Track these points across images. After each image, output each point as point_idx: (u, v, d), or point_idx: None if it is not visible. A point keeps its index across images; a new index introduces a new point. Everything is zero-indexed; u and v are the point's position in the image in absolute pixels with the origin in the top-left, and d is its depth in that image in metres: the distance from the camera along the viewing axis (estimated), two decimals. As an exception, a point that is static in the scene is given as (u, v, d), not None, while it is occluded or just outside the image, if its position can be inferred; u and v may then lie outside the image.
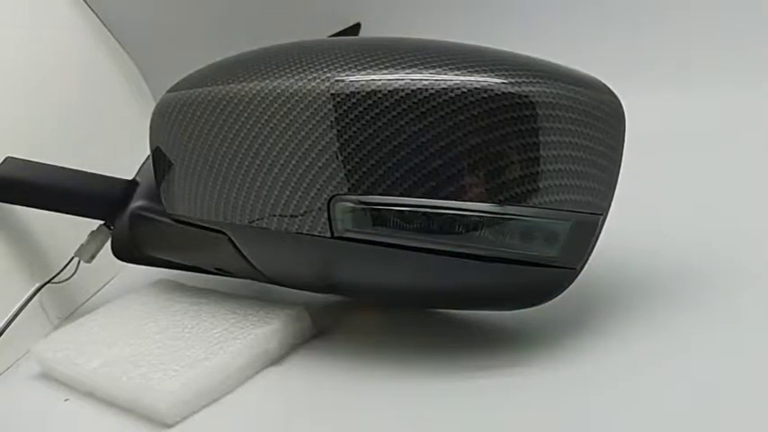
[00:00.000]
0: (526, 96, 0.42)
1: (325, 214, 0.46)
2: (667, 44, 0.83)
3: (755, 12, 0.79)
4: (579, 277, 0.46)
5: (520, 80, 0.43)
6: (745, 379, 0.38)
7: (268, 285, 0.60)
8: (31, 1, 0.90)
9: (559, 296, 0.46)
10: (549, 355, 0.45)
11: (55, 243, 0.73)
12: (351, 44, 0.49)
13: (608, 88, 0.46)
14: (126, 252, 0.67)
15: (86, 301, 0.76)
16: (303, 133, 0.46)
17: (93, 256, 0.69)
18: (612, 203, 0.46)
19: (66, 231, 0.72)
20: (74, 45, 0.94)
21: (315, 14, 0.94)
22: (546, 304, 0.47)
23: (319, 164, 0.45)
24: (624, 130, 0.46)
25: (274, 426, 0.48)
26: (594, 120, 0.44)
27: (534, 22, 0.88)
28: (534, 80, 0.43)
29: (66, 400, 0.54)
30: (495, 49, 0.47)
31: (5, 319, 0.65)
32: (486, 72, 0.43)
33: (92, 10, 0.99)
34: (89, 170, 0.71)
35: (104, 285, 0.80)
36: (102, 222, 0.70)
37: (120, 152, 0.78)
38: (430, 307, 0.54)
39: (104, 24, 0.99)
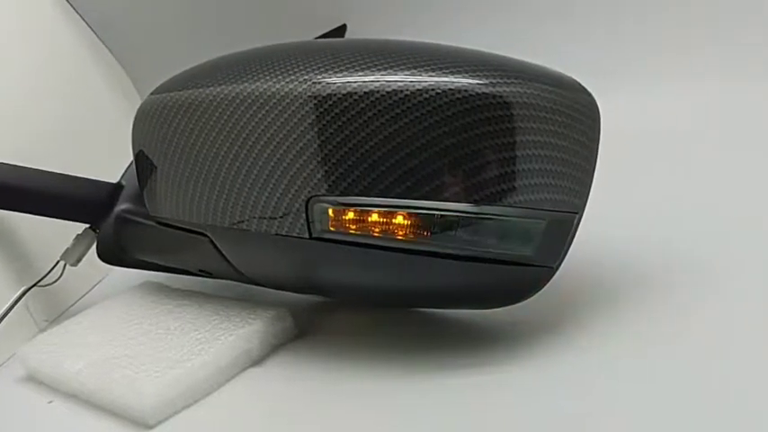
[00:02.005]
0: (500, 97, 0.43)
1: (304, 215, 0.46)
2: (645, 43, 0.84)
3: (733, 10, 0.80)
4: (558, 275, 0.46)
5: (494, 81, 0.43)
6: (722, 372, 0.39)
7: (251, 286, 0.60)
8: (16, 4, 0.90)
9: (538, 294, 0.46)
10: (528, 353, 0.45)
11: (42, 247, 0.73)
12: (329, 46, 0.50)
13: (583, 87, 0.46)
14: (111, 255, 0.68)
15: (73, 304, 0.76)
16: (281, 135, 0.46)
17: (78, 260, 0.70)
18: (590, 202, 0.46)
19: (52, 235, 0.72)
20: (59, 49, 0.94)
21: (302, 16, 0.94)
22: (525, 302, 0.47)
23: (297, 165, 0.46)
24: (599, 129, 0.46)
25: (255, 425, 0.48)
26: (569, 119, 0.45)
27: (518, 23, 0.89)
28: (509, 81, 0.43)
29: (50, 402, 0.55)
30: (473, 49, 0.47)
31: (-9, 323, 0.65)
32: (460, 73, 0.43)
33: (78, 14, 0.99)
34: (75, 173, 0.71)
35: (91, 288, 0.80)
36: (87, 226, 0.70)
37: (107, 155, 0.79)
38: (409, 306, 0.55)
39: (91, 28, 1.00)
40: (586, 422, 0.38)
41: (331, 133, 0.44)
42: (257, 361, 0.53)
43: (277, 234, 0.48)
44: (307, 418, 0.46)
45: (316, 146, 0.45)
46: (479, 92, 0.43)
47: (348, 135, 0.44)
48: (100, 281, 0.81)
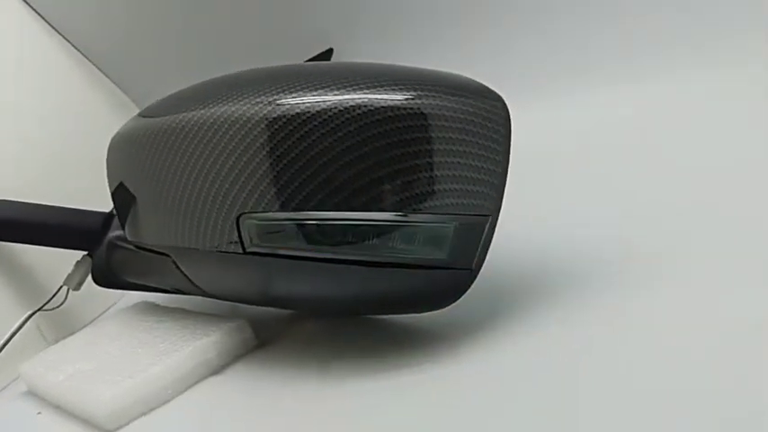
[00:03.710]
0: (398, 108, 0.45)
1: (236, 231, 0.50)
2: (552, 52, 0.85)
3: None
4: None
5: (400, 96, 0.45)
6: (661, 361, 0.39)
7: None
8: (21, 50, 0.99)
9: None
10: (468, 349, 0.47)
11: (48, 273, 0.79)
12: (276, 72, 0.53)
13: (492, 93, 0.47)
14: (104, 278, 0.73)
15: (84, 326, 0.82)
16: (214, 156, 0.50)
17: (79, 284, 0.76)
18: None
19: (58, 262, 0.78)
20: (62, 85, 1.02)
21: (291, 40, 0.99)
22: (462, 303, 0.48)
23: (227, 185, 0.49)
24: (509, 134, 0.47)
25: (211, 429, 0.51)
26: (473, 126, 0.46)
27: (498, 42, 0.91)
28: (409, 93, 0.45)
29: (39, 413, 0.60)
30: (390, 65, 0.50)
31: (-1, 344, 0.72)
32: (362, 90, 0.46)
33: (79, 51, 1.07)
34: (81, 199, 0.77)
35: (106, 311, 0.86)
36: (85, 253, 0.76)
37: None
38: (350, 314, 0.57)
39: (90, 61, 1.07)
40: (510, 416, 0.39)
41: (250, 155, 0.48)
42: (217, 370, 0.56)
43: (219, 251, 0.52)
44: (262, 424, 0.49)
45: (240, 166, 0.48)
46: (377, 106, 0.45)
47: (264, 156, 0.47)
48: (114, 303, 0.88)
